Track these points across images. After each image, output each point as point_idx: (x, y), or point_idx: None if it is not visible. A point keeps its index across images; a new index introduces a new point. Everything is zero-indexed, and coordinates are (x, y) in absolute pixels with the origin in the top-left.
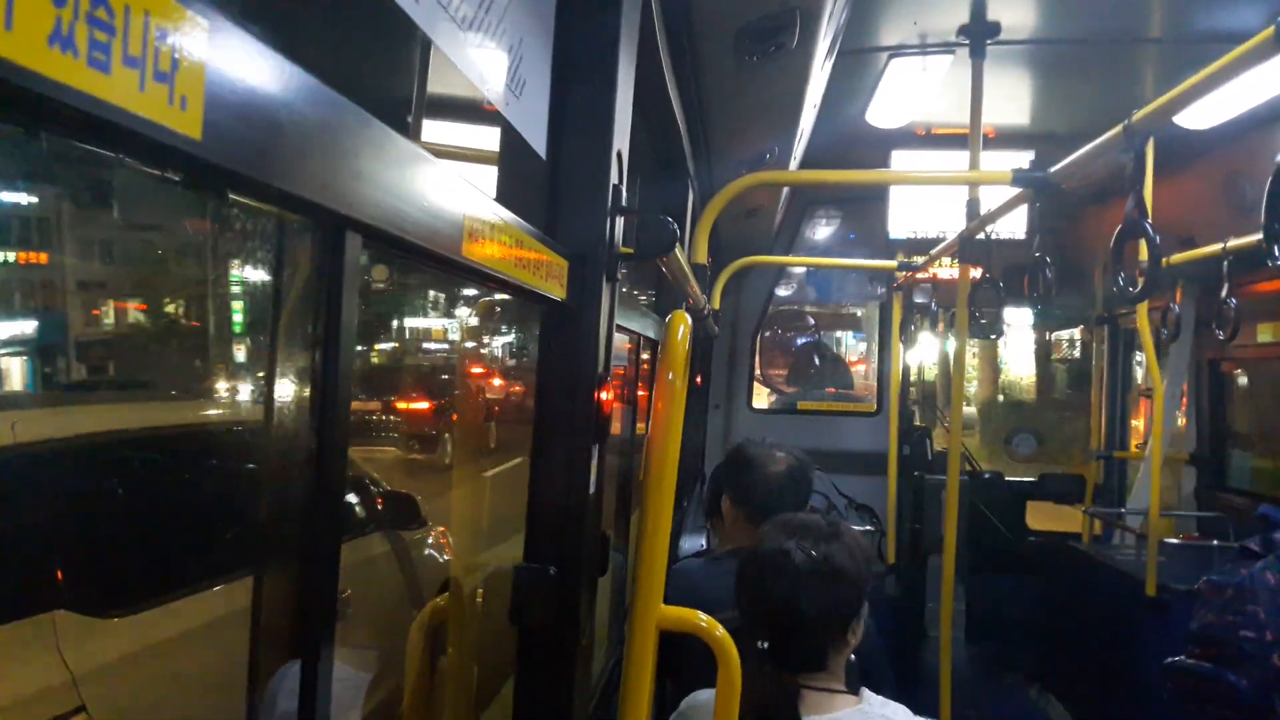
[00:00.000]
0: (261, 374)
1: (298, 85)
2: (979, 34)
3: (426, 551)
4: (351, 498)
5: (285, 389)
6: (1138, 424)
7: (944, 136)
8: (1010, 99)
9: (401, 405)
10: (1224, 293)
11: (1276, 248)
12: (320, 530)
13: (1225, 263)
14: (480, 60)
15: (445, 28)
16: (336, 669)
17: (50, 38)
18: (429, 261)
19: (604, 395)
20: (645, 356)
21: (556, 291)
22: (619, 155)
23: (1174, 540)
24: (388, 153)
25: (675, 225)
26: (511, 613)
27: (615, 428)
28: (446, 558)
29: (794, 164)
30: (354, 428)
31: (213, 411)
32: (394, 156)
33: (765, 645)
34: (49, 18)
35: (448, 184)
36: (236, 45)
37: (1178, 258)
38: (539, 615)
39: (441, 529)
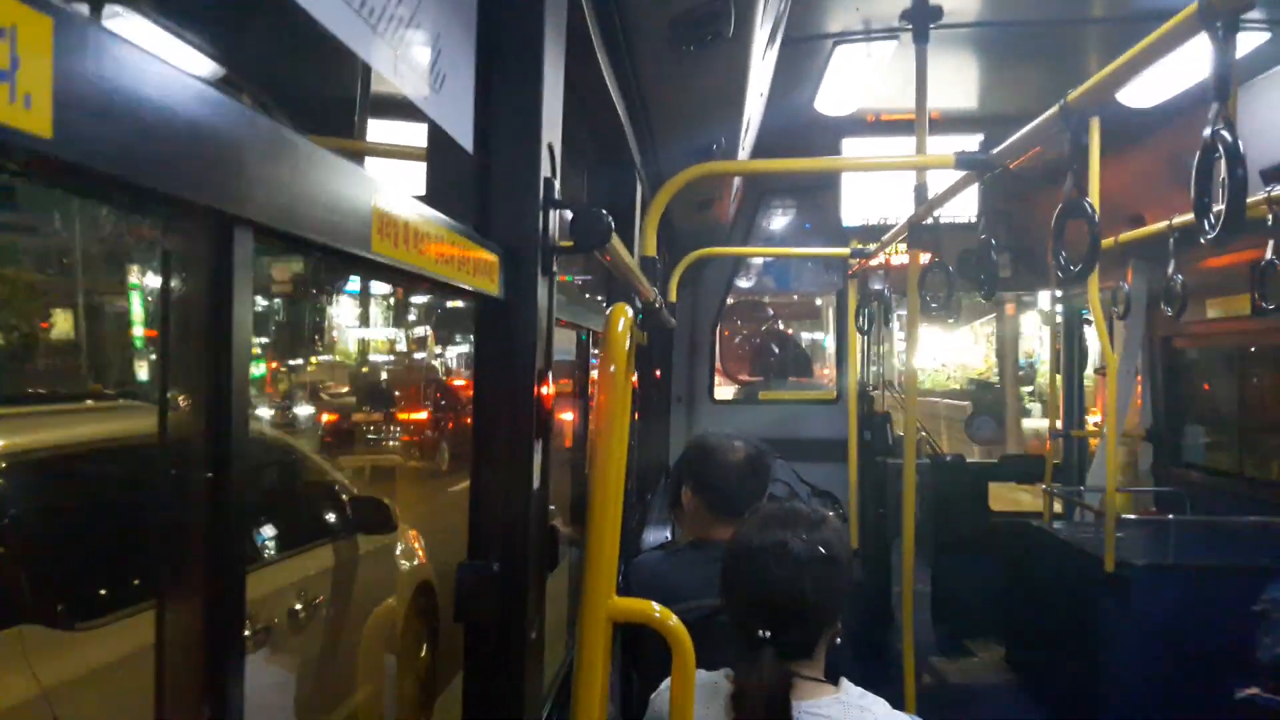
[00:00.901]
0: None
1: (167, 81)
2: (922, 18)
3: (399, 554)
4: (315, 503)
5: (180, 398)
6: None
7: (893, 123)
8: (957, 83)
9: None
10: (1170, 270)
11: (1205, 222)
12: (220, 550)
13: (1172, 240)
14: (394, 54)
15: (347, 19)
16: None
17: None
18: (337, 259)
19: (545, 390)
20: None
21: (488, 287)
22: (550, 148)
23: (1131, 516)
24: (279, 148)
25: (610, 217)
26: (456, 610)
27: (572, 424)
28: (418, 561)
29: (744, 154)
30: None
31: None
32: (287, 152)
33: (767, 634)
34: None
35: (353, 179)
36: (89, 41)
37: (1125, 236)
38: (483, 612)
39: (414, 532)
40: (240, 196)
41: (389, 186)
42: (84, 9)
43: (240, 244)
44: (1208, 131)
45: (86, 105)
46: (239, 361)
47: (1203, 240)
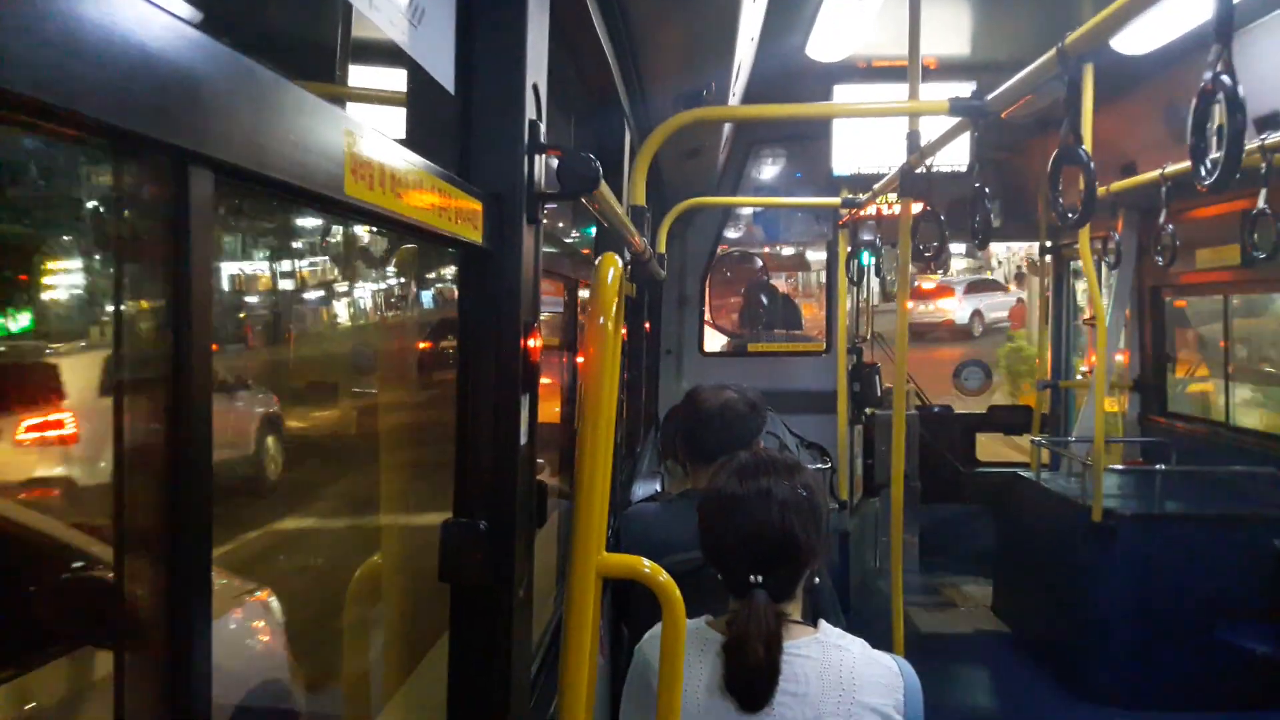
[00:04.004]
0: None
1: (122, 9)
2: None
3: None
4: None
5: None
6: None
7: (886, 69)
8: (951, 29)
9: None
10: (1162, 219)
11: (1201, 168)
12: (183, 542)
13: (1164, 189)
14: None
15: None
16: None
17: None
18: (307, 202)
19: (532, 343)
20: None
21: (471, 235)
22: (535, 89)
23: (1118, 466)
24: (243, 83)
25: (598, 162)
26: (441, 570)
27: (560, 378)
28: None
29: (734, 100)
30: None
31: None
32: (250, 86)
33: (759, 578)
34: None
35: (324, 118)
36: None
37: (1117, 185)
38: (470, 572)
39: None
40: (196, 131)
41: (364, 127)
42: None
43: (198, 184)
44: (1208, 75)
45: (29, 32)
46: (199, 315)
47: (1199, 188)
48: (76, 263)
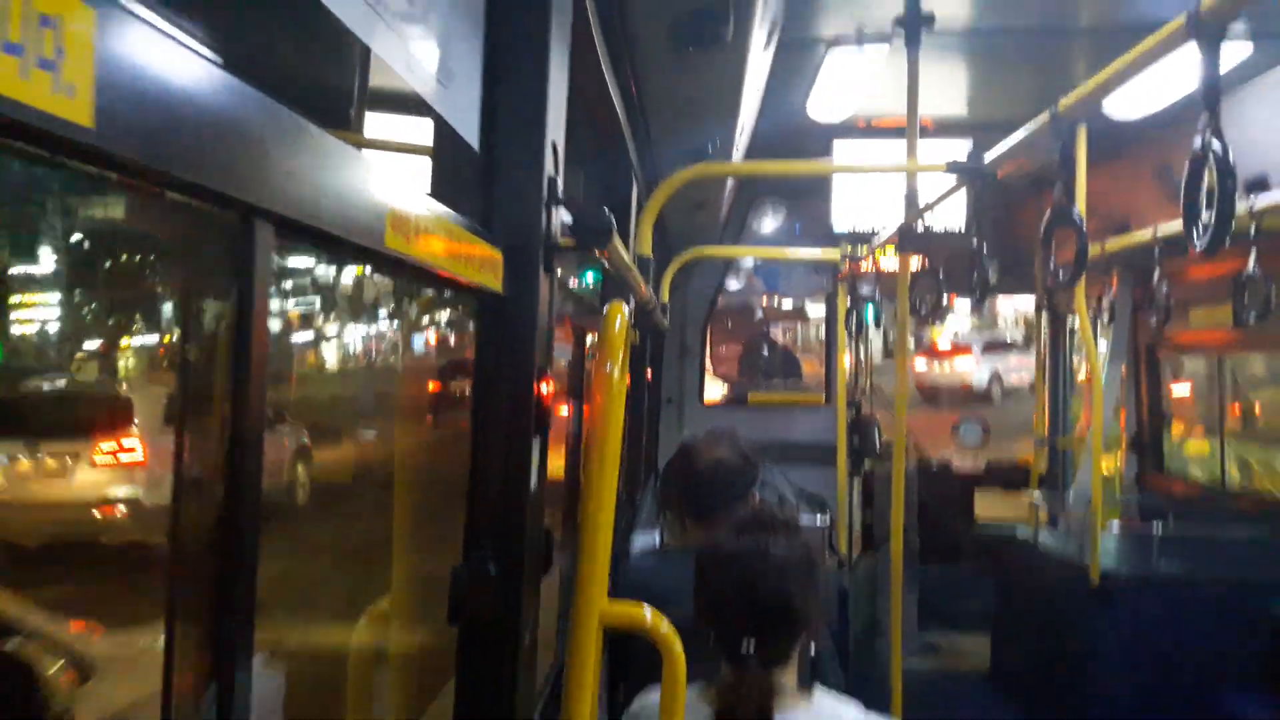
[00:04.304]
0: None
1: (199, 73)
2: (914, 24)
3: None
4: None
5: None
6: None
7: (884, 128)
8: (948, 89)
9: None
10: (1156, 278)
11: (1194, 231)
12: (235, 558)
13: (1157, 249)
14: (406, 51)
15: (367, 18)
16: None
17: None
18: (351, 254)
19: (544, 388)
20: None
21: (492, 284)
22: (554, 146)
23: (1117, 526)
24: (301, 141)
25: (612, 216)
26: (450, 612)
27: (562, 423)
28: None
29: (737, 156)
30: None
31: None
32: (307, 145)
33: (751, 647)
34: None
35: (369, 174)
36: (129, 32)
37: (1112, 244)
38: (479, 614)
39: None
40: (262, 188)
41: (403, 182)
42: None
43: (261, 235)
44: (1198, 141)
45: (124, 95)
46: (256, 355)
47: (1192, 250)
48: (151, 308)
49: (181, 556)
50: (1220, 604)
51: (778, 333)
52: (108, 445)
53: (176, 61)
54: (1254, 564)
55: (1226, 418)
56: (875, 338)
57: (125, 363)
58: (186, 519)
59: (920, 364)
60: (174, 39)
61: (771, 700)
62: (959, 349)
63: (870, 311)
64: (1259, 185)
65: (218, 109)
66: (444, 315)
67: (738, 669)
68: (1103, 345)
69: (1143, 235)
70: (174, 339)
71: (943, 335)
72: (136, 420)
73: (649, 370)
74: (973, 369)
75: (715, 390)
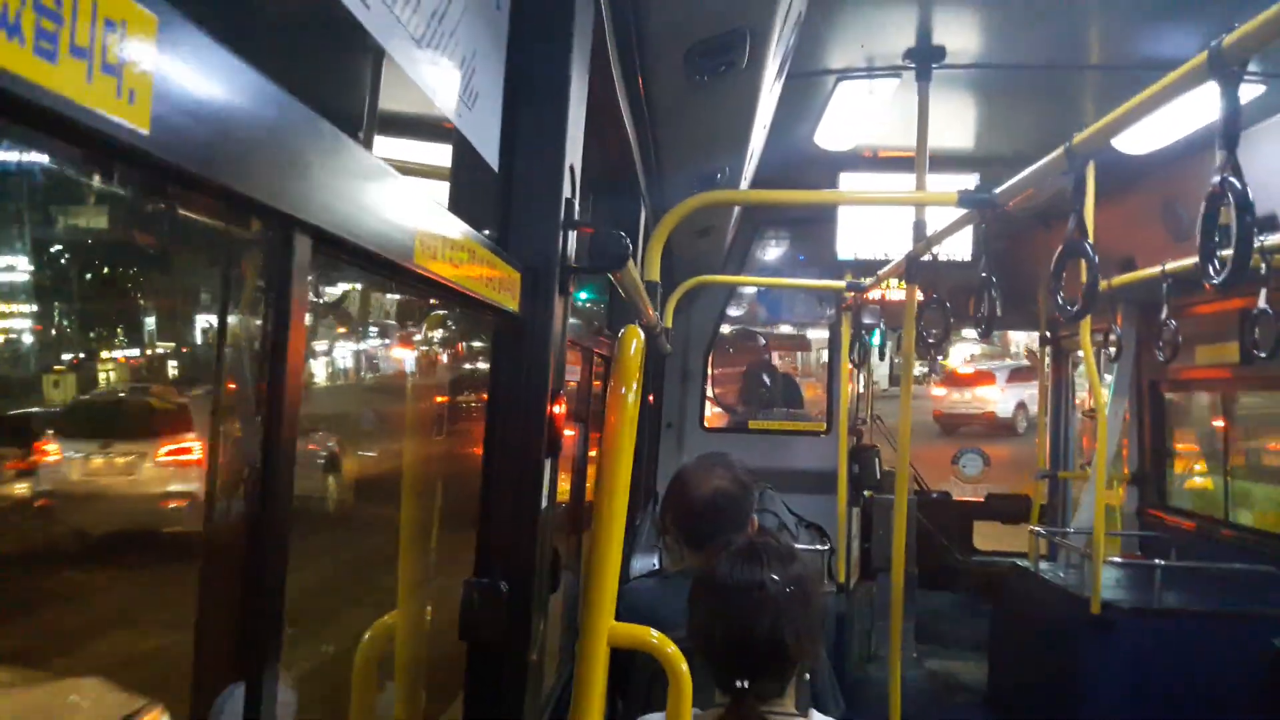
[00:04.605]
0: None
1: (248, 85)
2: (924, 58)
3: None
4: None
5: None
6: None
7: (891, 159)
8: (956, 123)
9: None
10: (1164, 315)
11: (1210, 268)
12: (264, 561)
13: (1165, 285)
14: (432, 72)
15: (399, 39)
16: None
17: None
18: (381, 269)
19: (557, 409)
20: (600, 373)
21: (509, 304)
22: (571, 170)
23: (1117, 559)
24: (340, 158)
25: (628, 240)
26: (461, 629)
27: (568, 444)
28: None
29: (745, 184)
30: None
31: None
32: (346, 162)
33: (745, 684)
34: None
35: (401, 192)
36: (187, 41)
37: (1118, 280)
38: (490, 632)
39: None
40: (301, 201)
41: (432, 201)
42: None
43: (300, 248)
44: (1216, 179)
45: (180, 103)
46: (293, 365)
47: (1207, 286)
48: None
49: (214, 558)
50: (1221, 636)
51: (779, 360)
52: (169, 446)
53: (228, 72)
54: (1256, 596)
55: (1231, 454)
56: (881, 366)
57: (176, 372)
58: (219, 521)
59: (939, 392)
60: (226, 49)
61: None
62: (982, 376)
63: (877, 337)
64: (1270, 224)
65: (266, 121)
66: (438, 334)
67: (734, 703)
68: (1107, 379)
69: (1150, 271)
70: (216, 349)
71: (968, 362)
72: (193, 424)
73: (650, 394)
74: (997, 398)
75: (717, 416)
